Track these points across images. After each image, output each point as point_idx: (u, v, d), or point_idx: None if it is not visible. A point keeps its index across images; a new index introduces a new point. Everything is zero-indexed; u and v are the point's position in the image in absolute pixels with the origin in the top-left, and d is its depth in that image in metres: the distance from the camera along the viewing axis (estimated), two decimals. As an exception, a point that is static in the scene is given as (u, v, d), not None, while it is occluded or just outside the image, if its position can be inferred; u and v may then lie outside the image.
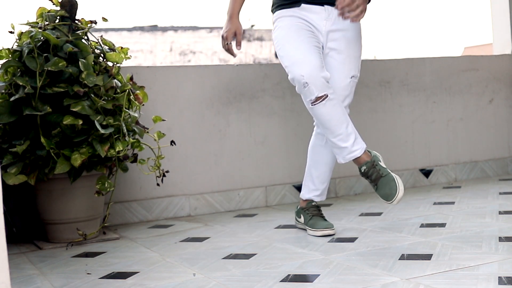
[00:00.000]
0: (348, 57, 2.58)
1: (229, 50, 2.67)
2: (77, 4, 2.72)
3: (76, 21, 2.74)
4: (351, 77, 2.58)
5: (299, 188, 3.49)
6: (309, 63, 2.42)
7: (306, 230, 2.65)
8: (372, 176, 2.41)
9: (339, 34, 2.56)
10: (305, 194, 2.74)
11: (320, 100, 2.42)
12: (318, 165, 2.71)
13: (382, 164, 2.45)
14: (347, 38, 2.57)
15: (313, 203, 2.70)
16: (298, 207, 2.75)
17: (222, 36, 2.67)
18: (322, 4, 2.55)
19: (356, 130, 2.50)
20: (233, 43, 2.69)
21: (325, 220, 2.63)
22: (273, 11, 2.67)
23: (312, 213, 2.66)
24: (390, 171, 2.41)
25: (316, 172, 2.71)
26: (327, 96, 2.42)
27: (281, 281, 1.93)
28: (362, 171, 2.45)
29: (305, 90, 2.42)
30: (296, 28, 2.53)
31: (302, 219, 2.69)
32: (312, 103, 2.43)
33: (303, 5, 2.55)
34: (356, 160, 2.47)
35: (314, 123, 2.71)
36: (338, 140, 2.47)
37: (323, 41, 2.56)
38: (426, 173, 3.85)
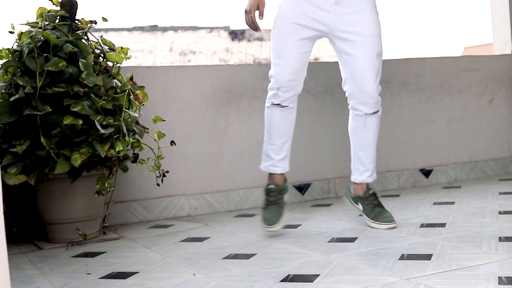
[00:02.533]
0: (369, 36, 2.60)
1: (253, 23, 2.64)
2: (77, 4, 2.72)
3: (76, 21, 2.74)
4: (377, 55, 2.62)
5: (299, 188, 3.49)
6: (288, 72, 2.59)
7: (363, 217, 2.71)
8: (271, 198, 2.63)
9: (354, 16, 2.59)
10: (357, 177, 2.74)
11: (280, 107, 2.63)
12: (364, 146, 2.71)
13: (285, 198, 2.69)
14: (363, 19, 2.60)
15: (370, 192, 2.72)
16: (355, 195, 2.75)
17: (246, 11, 2.64)
18: None
19: (289, 152, 2.72)
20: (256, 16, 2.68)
21: (386, 211, 2.68)
22: None
23: (372, 204, 2.69)
24: (284, 205, 2.66)
25: (364, 153, 2.72)
26: (288, 107, 2.64)
27: (281, 281, 1.93)
28: (268, 187, 2.66)
29: (274, 92, 2.62)
30: (293, 25, 2.59)
31: (360, 207, 2.72)
32: (272, 103, 2.63)
33: None
34: (272, 176, 2.69)
35: (349, 106, 2.72)
36: (271, 150, 2.68)
37: (332, 24, 2.59)
38: (426, 173, 3.85)
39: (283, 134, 2.68)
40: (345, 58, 2.64)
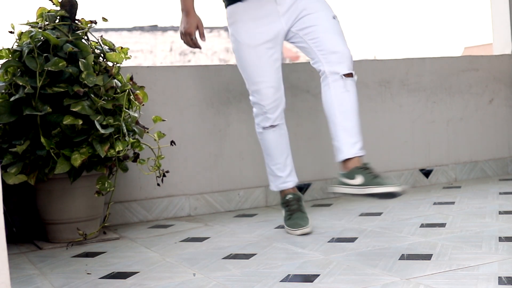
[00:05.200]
0: (318, 9, 2.56)
1: (194, 44, 2.69)
2: (77, 4, 2.73)
3: (76, 21, 2.74)
4: (333, 18, 2.57)
5: (299, 188, 3.48)
6: (270, 93, 2.62)
7: (360, 192, 2.27)
8: (293, 206, 2.67)
9: (297, 5, 2.57)
10: (349, 151, 2.41)
11: (272, 127, 2.67)
12: (349, 114, 2.46)
13: (304, 205, 2.74)
14: (307, 2, 2.57)
15: (367, 164, 2.32)
16: (351, 169, 2.34)
17: (184, 33, 2.67)
18: None
19: (293, 164, 2.77)
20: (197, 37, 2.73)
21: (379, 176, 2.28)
22: (224, 3, 2.69)
23: (373, 172, 2.30)
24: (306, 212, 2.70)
25: (350, 123, 2.44)
26: (278, 125, 2.67)
27: (281, 281, 1.93)
28: (286, 199, 2.72)
29: (262, 116, 2.66)
30: (255, 48, 2.60)
31: (359, 180, 2.27)
32: (263, 128, 2.67)
33: None
34: (284, 190, 2.75)
35: (323, 76, 2.51)
36: (276, 169, 2.73)
37: (284, 29, 2.59)
38: (426, 173, 3.85)
39: (282, 151, 2.73)
40: (308, 35, 2.56)
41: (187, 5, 2.67)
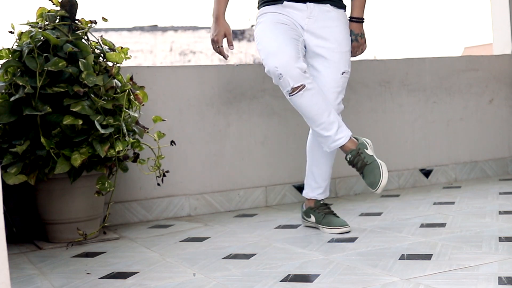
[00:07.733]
0: (337, 53, 2.58)
1: (221, 53, 2.64)
2: (77, 4, 2.72)
3: (76, 21, 2.74)
4: (342, 73, 2.58)
5: (299, 188, 3.49)
6: (283, 54, 2.45)
7: (318, 228, 2.67)
8: (358, 165, 2.44)
9: (325, 31, 2.58)
10: (308, 193, 2.75)
11: (298, 91, 2.45)
12: (319, 163, 2.72)
13: (368, 151, 2.45)
14: (334, 35, 2.58)
15: (321, 202, 2.73)
16: (306, 207, 2.75)
17: (213, 40, 2.64)
18: (304, 1, 2.57)
19: (339, 118, 2.52)
20: (225, 45, 2.68)
21: (338, 217, 2.66)
22: (258, 7, 2.70)
23: (324, 212, 2.68)
24: (376, 158, 2.43)
25: (318, 170, 2.72)
26: (304, 86, 2.44)
27: (281, 281, 1.93)
28: (348, 159, 2.48)
29: (281, 81, 2.45)
30: (275, 21, 2.56)
31: (312, 219, 2.70)
32: (289, 93, 2.47)
33: (285, 2, 2.58)
34: (341, 148, 2.50)
35: None
36: (321, 130, 2.50)
37: (305, 38, 2.58)
38: (426, 173, 3.85)
39: (322, 109, 2.47)
40: (311, 71, 2.60)
41: (218, 10, 2.64)
